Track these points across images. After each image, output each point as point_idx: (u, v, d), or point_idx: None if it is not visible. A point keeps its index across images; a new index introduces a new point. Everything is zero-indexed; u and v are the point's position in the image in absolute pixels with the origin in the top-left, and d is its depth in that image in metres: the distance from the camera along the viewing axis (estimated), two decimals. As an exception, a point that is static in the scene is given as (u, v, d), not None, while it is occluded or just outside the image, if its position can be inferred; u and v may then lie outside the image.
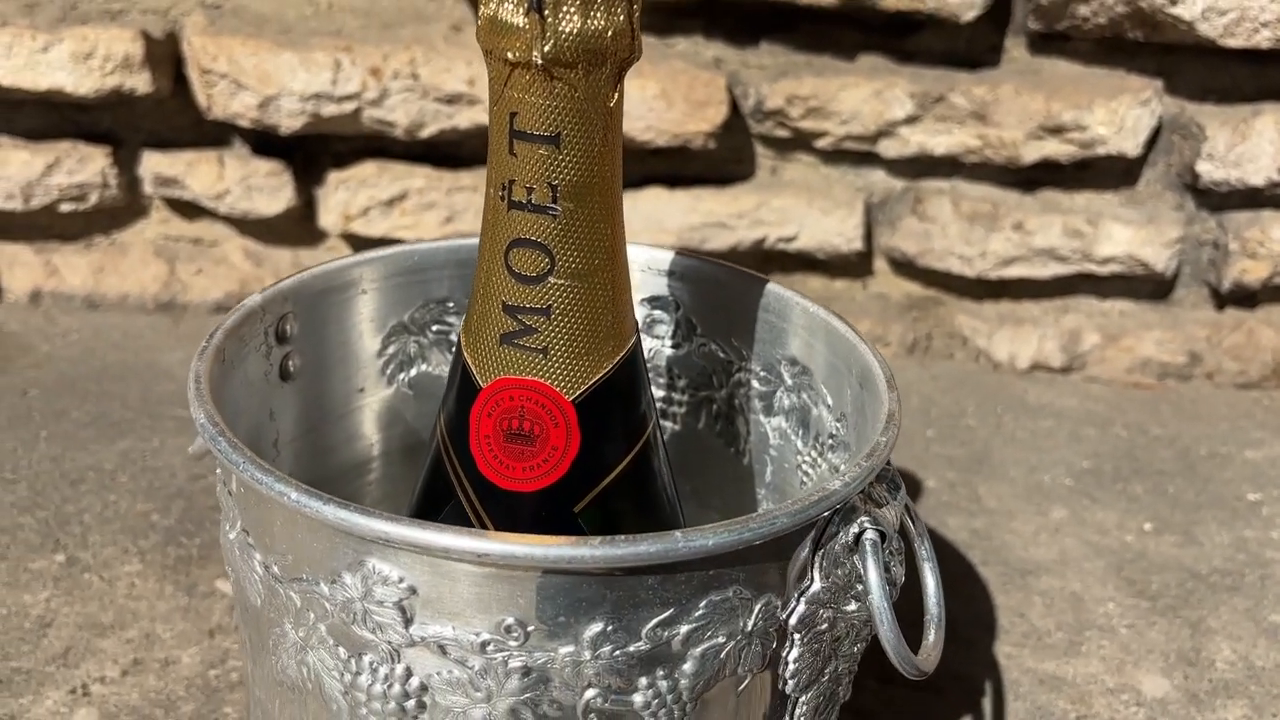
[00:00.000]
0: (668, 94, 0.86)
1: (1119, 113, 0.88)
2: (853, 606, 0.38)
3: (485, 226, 0.37)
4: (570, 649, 0.33)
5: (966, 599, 0.72)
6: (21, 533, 0.72)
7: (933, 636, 0.39)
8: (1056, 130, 0.89)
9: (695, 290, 0.50)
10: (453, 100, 0.87)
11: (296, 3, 0.90)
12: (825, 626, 0.37)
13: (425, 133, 0.89)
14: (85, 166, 0.92)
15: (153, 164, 0.93)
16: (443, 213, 0.93)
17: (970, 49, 0.90)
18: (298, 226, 0.97)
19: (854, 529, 0.36)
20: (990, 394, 0.95)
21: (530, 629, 0.32)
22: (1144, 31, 0.86)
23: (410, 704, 0.34)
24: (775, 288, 0.48)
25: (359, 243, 0.96)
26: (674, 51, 0.90)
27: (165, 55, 0.89)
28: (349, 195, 0.93)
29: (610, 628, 0.33)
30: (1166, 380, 0.99)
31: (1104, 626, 0.71)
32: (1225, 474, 0.87)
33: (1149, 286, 0.98)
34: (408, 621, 0.33)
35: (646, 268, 0.50)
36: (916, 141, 0.90)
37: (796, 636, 0.36)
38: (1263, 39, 0.84)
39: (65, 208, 0.94)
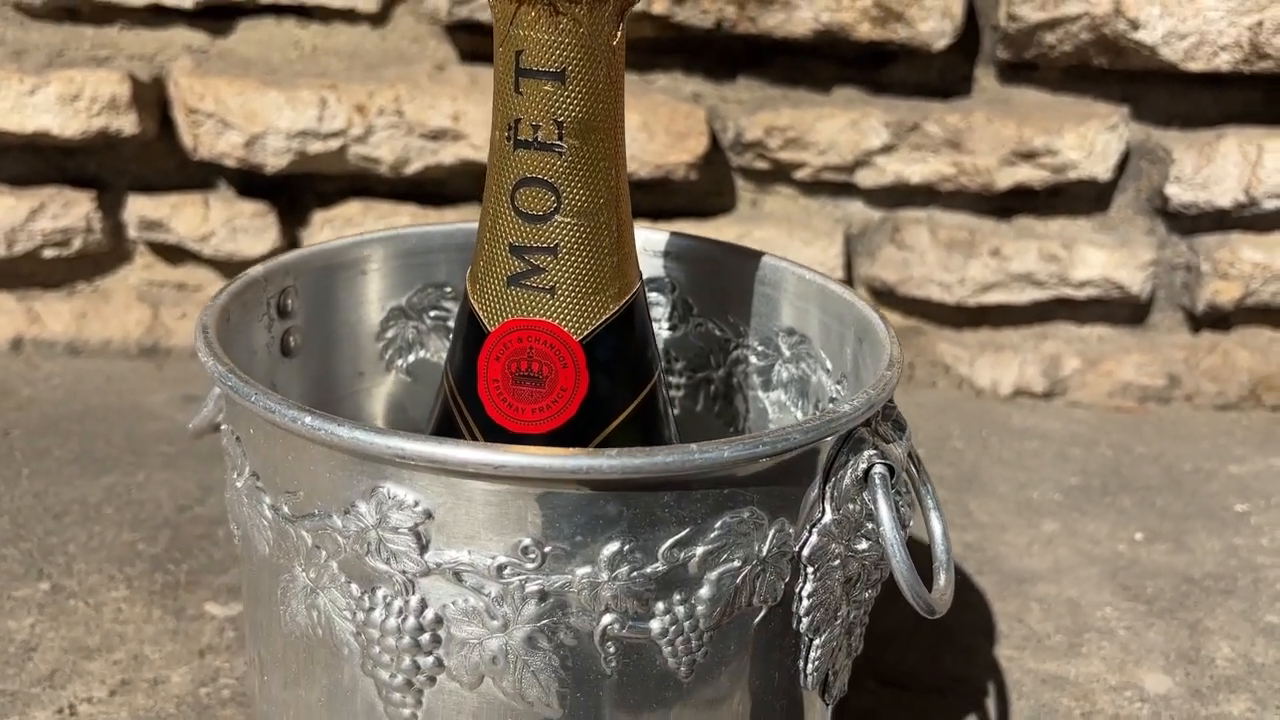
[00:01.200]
0: (649, 126, 0.88)
1: (1089, 137, 0.91)
2: (864, 545, 0.38)
3: (491, 171, 0.37)
4: (587, 570, 0.32)
5: (964, 606, 0.72)
6: (4, 563, 0.71)
7: (943, 579, 0.39)
8: (1029, 155, 0.91)
9: (691, 270, 0.51)
10: (437, 136, 0.88)
11: (282, 47, 0.91)
12: (837, 563, 0.37)
13: (410, 169, 0.90)
14: (70, 211, 0.93)
15: (138, 207, 0.93)
16: (427, 251, 0.94)
17: (942, 79, 0.93)
18: (282, 269, 0.97)
19: (863, 464, 0.36)
20: (974, 419, 0.96)
21: (547, 550, 0.32)
22: (1109, 58, 0.89)
23: (425, 638, 0.34)
24: (769, 259, 0.48)
25: (344, 283, 0.97)
26: (654, 87, 0.92)
27: (151, 99, 0.90)
28: (334, 234, 0.93)
29: (627, 547, 0.32)
30: (1147, 403, 1.00)
31: (1102, 629, 0.71)
32: (1211, 487, 0.88)
33: (1125, 311, 0.99)
34: (423, 548, 0.33)
35: (642, 250, 0.50)
36: (893, 171, 0.92)
37: (810, 570, 0.36)
38: (1222, 62, 0.87)
39: (49, 253, 0.94)
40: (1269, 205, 0.93)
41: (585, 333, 0.37)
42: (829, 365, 0.46)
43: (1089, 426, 0.96)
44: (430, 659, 0.34)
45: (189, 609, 0.68)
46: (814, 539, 0.36)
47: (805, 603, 0.37)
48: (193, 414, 0.88)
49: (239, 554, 0.40)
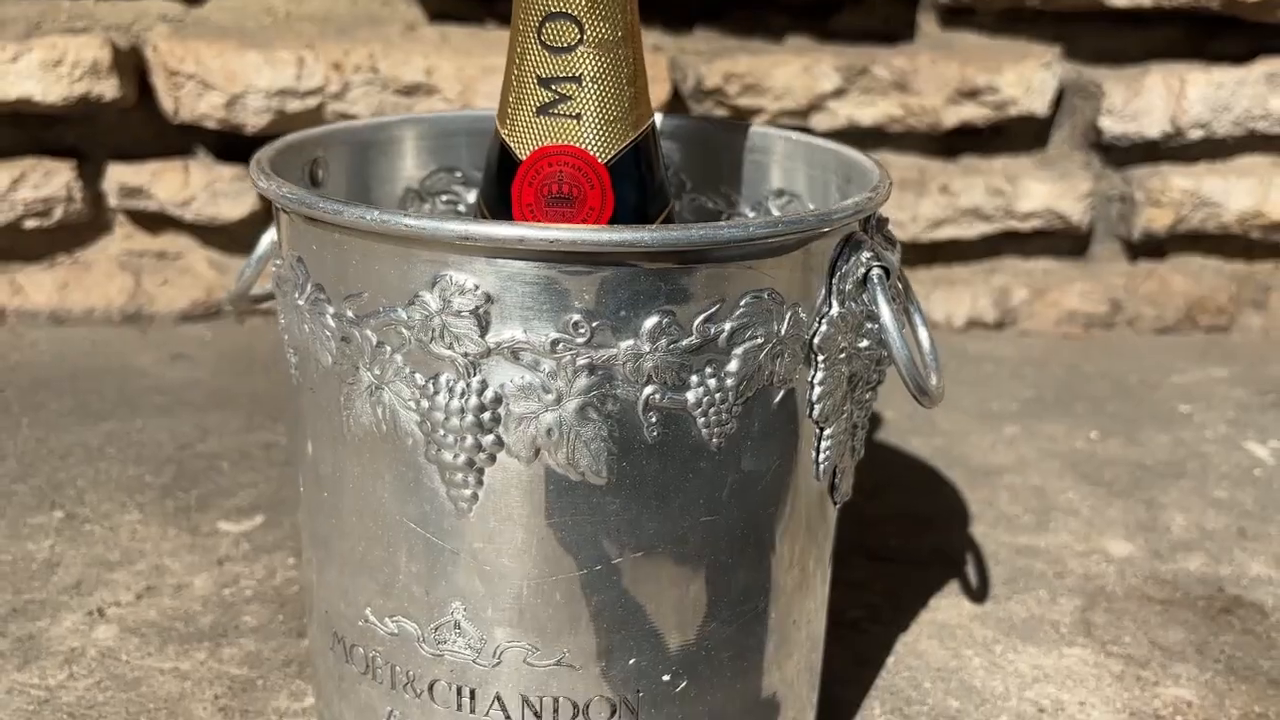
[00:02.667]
0: (615, 74, 0.92)
1: (1026, 75, 0.97)
2: (865, 344, 0.42)
3: (518, 11, 0.41)
4: (630, 343, 0.36)
5: (938, 496, 0.77)
6: (16, 497, 0.73)
7: (935, 379, 0.43)
8: (972, 94, 0.97)
9: (684, 147, 0.55)
10: (411, 91, 0.92)
11: (255, 13, 0.95)
12: (843, 356, 0.41)
13: (387, 125, 0.93)
14: (50, 180, 0.95)
15: (118, 175, 0.96)
16: (404, 207, 0.97)
17: (887, 25, 0.98)
18: (259, 232, 1.00)
19: (862, 266, 0.41)
20: (933, 347, 1.01)
21: (594, 325, 0.36)
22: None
23: (485, 416, 0.37)
24: (757, 128, 0.53)
25: (323, 243, 1.00)
26: (617, 40, 0.96)
27: (130, 65, 0.93)
28: (313, 194, 0.96)
29: (665, 321, 0.36)
30: (1092, 330, 1.06)
31: (1067, 509, 0.76)
32: (1157, 395, 0.94)
33: (1068, 243, 1.05)
34: (483, 330, 0.36)
35: (637, 133, 0.54)
36: (845, 114, 0.97)
37: (820, 359, 0.40)
38: (1145, -2, 0.94)
39: (30, 224, 0.96)
40: (1194, 135, 1.00)
41: (609, 156, 0.41)
42: (773, 207, 0.50)
43: (1040, 351, 1.02)
44: (490, 437, 0.37)
45: (203, 527, 0.70)
46: (823, 328, 0.40)
47: (817, 390, 0.41)
48: (178, 372, 0.90)
49: (294, 385, 0.43)
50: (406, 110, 0.93)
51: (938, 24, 0.99)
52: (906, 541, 0.71)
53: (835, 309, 0.40)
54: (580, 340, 0.36)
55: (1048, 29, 0.98)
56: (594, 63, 0.40)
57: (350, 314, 0.38)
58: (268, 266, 0.49)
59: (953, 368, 0.97)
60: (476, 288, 0.36)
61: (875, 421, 0.87)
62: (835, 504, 0.46)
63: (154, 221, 0.99)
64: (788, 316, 0.38)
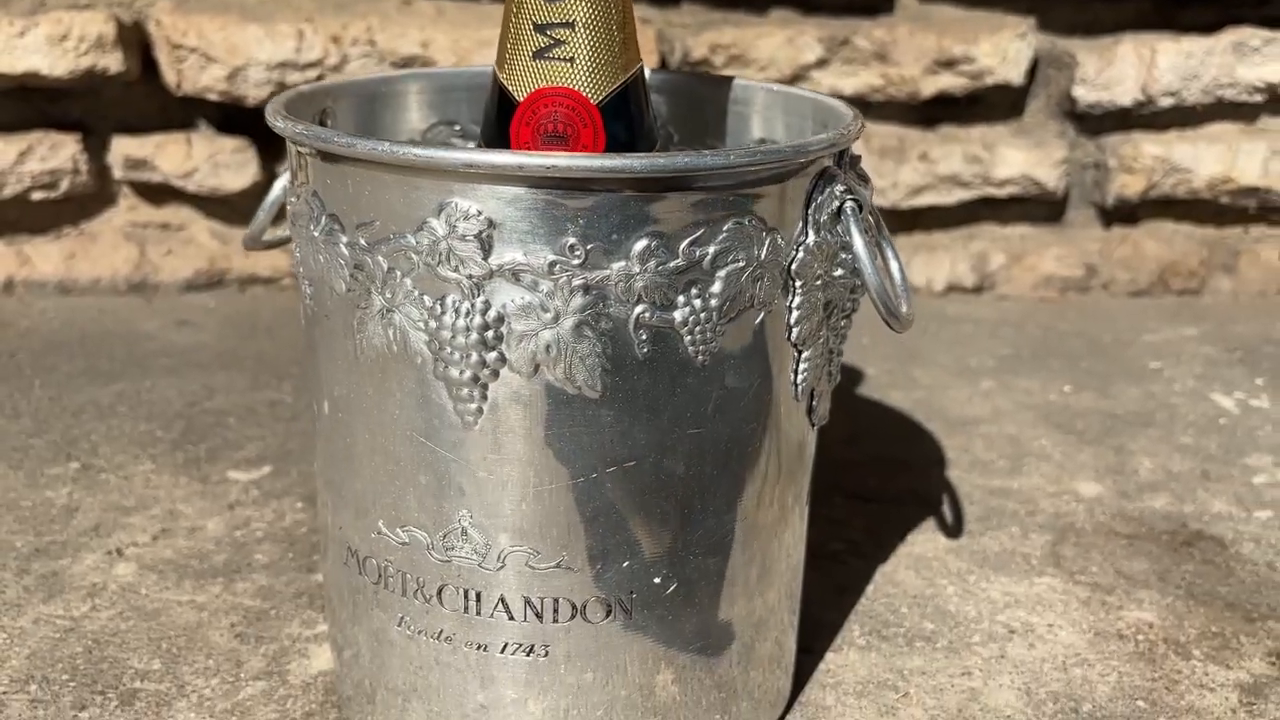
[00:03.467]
0: (604, 45, 0.95)
1: (1002, 45, 1.00)
2: (839, 273, 0.45)
3: (514, -37, 0.44)
4: (622, 264, 0.39)
5: (916, 443, 0.80)
6: (33, 450, 0.76)
7: (905, 306, 0.46)
8: (949, 64, 1.00)
9: (672, 102, 0.58)
10: (408, 62, 0.95)
11: (256, -11, 0.97)
12: (819, 283, 0.44)
13: (383, 97, 0.96)
14: (57, 153, 0.97)
15: (123, 147, 0.99)
16: (401, 177, 1.00)
17: (867, -2, 1.02)
18: (259, 204, 1.03)
19: (836, 200, 0.44)
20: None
21: (589, 247, 0.39)
22: (1015, -30, 0.98)
23: (489, 334, 0.40)
24: (740, 81, 0.56)
25: (322, 213, 1.03)
26: (606, 13, 0.99)
27: (134, 40, 0.95)
28: (312, 165, 0.99)
29: (653, 244, 0.39)
30: (1068, 293, 1.10)
31: (1039, 455, 0.79)
32: (1129, 352, 0.97)
33: (1044, 209, 1.09)
34: (486, 253, 0.39)
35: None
36: (828, 84, 1.01)
37: (797, 284, 0.43)
38: (1115, -31, 0.97)
39: (37, 195, 0.98)
40: (1164, 103, 1.03)
41: (601, 97, 0.44)
42: None
43: (1017, 313, 1.05)
44: (494, 354, 0.40)
45: (213, 476, 0.73)
46: (800, 255, 0.43)
47: (795, 314, 0.44)
48: (183, 336, 0.93)
49: (309, 316, 0.46)
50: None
51: (916, -4, 1.02)
52: (885, 483, 0.74)
53: (811, 238, 0.43)
54: (575, 262, 0.39)
55: (1022, 1, 1.02)
56: (586, 9, 0.43)
57: (363, 242, 0.41)
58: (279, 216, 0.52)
59: (933, 329, 1.01)
60: (479, 213, 0.39)
61: (857, 376, 0.91)
62: (813, 425, 0.49)
63: (157, 193, 1.02)
64: (767, 243, 0.42)
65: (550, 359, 0.41)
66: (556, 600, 0.44)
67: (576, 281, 0.40)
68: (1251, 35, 1.02)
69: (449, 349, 0.41)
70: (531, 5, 0.44)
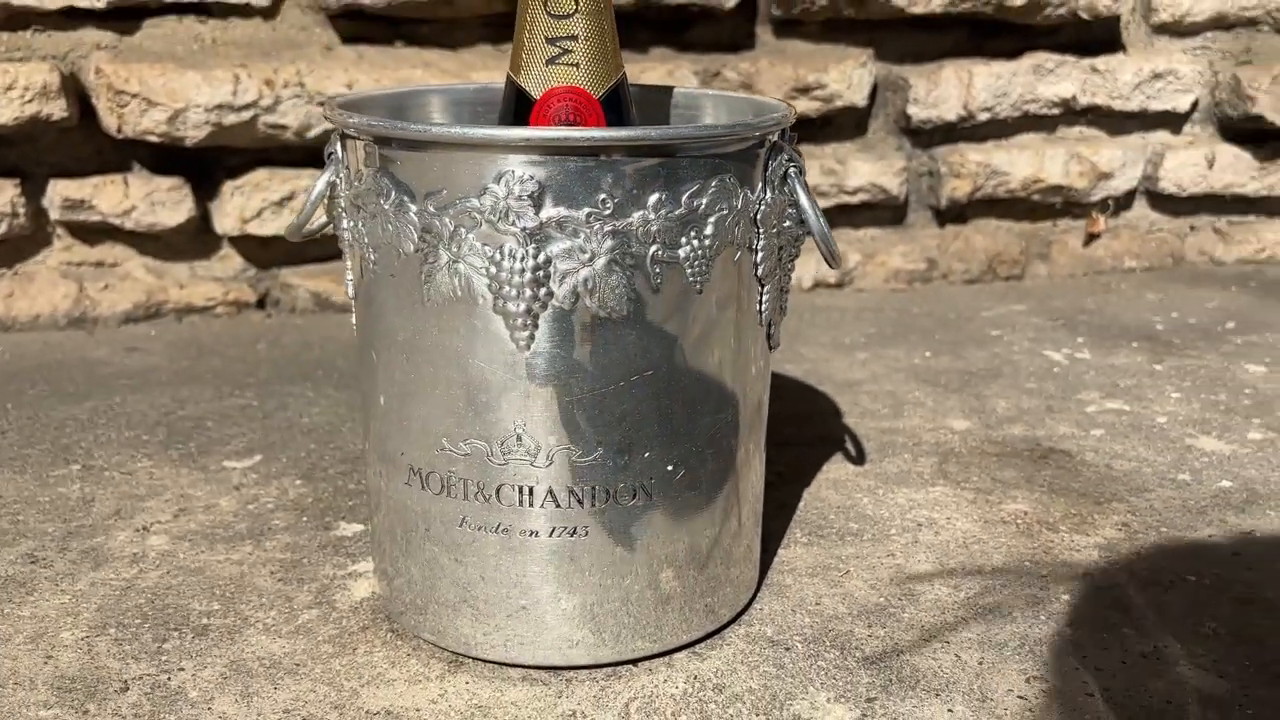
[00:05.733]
0: (511, 81, 1.08)
1: (847, 74, 1.17)
2: (787, 224, 0.59)
3: (525, -9, 0.56)
4: (640, 213, 0.51)
5: (815, 401, 0.94)
6: (31, 457, 0.82)
7: (834, 249, 0.60)
8: (805, 90, 1.16)
9: (639, 107, 0.70)
10: (335, 103, 1.05)
11: (185, 40, 1.06)
12: (775, 230, 0.58)
13: (312, 133, 1.06)
14: (-3, 198, 1.03)
15: (61, 189, 1.05)
16: (327, 208, 1.10)
17: (732, 36, 1.17)
18: (193, 240, 1.11)
19: (783, 166, 0.57)
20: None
21: (616, 200, 0.51)
22: (856, 9, 1.16)
23: (540, 274, 0.51)
24: (683, 89, 0.69)
25: (255, 245, 1.11)
26: (507, 53, 1.12)
27: (72, 89, 1.03)
28: (244, 200, 1.08)
29: (664, 196, 0.52)
30: (914, 284, 1.27)
31: (915, 403, 0.94)
32: (971, 325, 1.15)
33: (889, 214, 1.26)
34: (538, 208, 0.50)
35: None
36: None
37: (760, 230, 0.56)
38: (936, 5, 1.16)
39: (-24, 239, 1.04)
40: (982, 117, 1.22)
41: (601, 92, 0.56)
42: None
43: (874, 301, 1.22)
44: (544, 289, 0.52)
45: (210, 466, 0.81)
46: (762, 208, 0.56)
47: (759, 254, 0.57)
48: (135, 361, 1.00)
49: (370, 279, 0.56)
50: (326, 120, 1.05)
51: (773, 34, 1.18)
52: (798, 430, 0.88)
53: (769, 195, 0.57)
54: (606, 213, 0.51)
55: (861, 35, 1.19)
56: (586, 25, 0.56)
57: (431, 208, 0.52)
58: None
59: (808, 316, 1.16)
60: (532, 178, 0.51)
61: (753, 359, 1.04)
62: (771, 348, 0.62)
63: (92, 233, 1.09)
64: (740, 196, 0.55)
65: (587, 290, 0.52)
66: (594, 488, 0.55)
67: (607, 228, 0.52)
68: (1046, 59, 1.22)
69: (507, 288, 0.52)
70: (543, 23, 0.56)
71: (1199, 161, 1.30)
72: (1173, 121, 1.29)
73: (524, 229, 0.51)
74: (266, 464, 0.81)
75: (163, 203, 1.06)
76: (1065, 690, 0.57)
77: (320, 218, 0.62)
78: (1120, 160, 1.27)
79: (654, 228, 0.52)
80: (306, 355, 1.04)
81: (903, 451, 0.85)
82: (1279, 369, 1.03)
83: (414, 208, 0.53)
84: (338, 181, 0.59)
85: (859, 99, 1.18)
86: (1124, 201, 1.31)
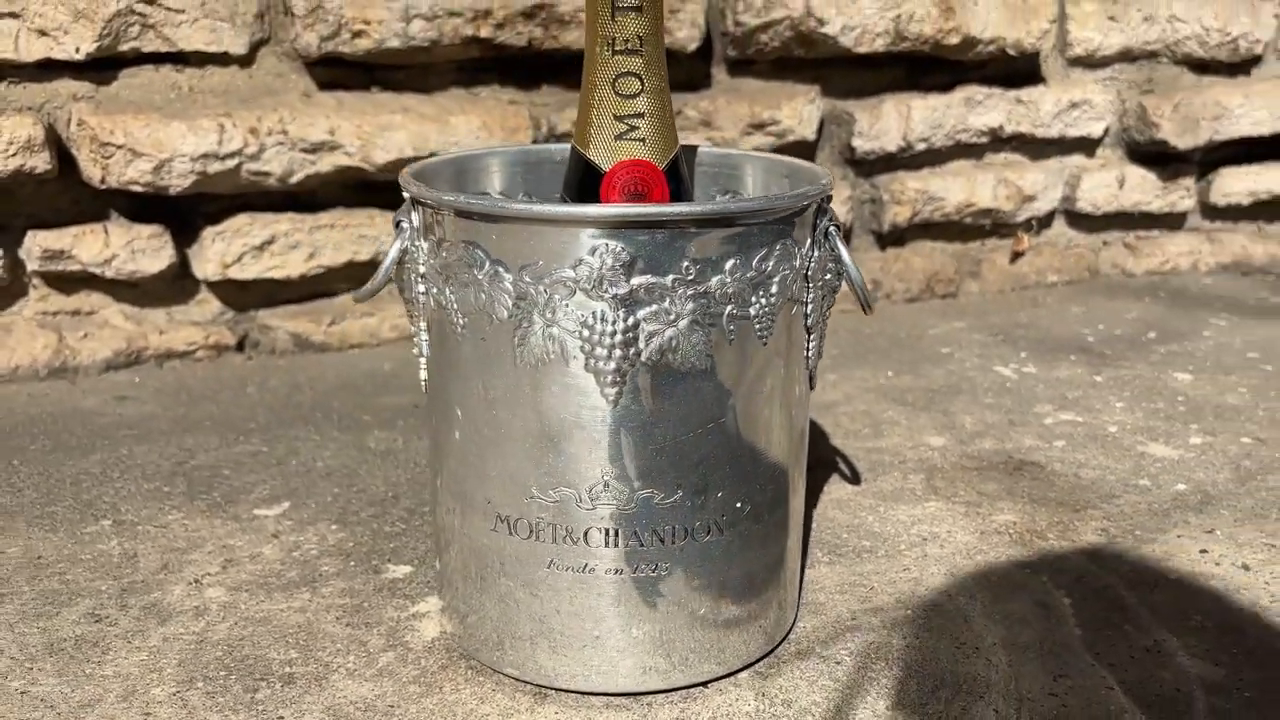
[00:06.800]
0: (488, 125, 1.12)
1: (798, 110, 1.24)
2: (829, 275, 0.65)
3: (593, 72, 0.60)
4: (719, 278, 0.56)
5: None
6: (56, 514, 0.83)
7: (871, 296, 0.66)
8: (760, 126, 1.23)
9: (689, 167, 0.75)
10: (317, 149, 1.08)
11: (162, 90, 1.07)
12: (820, 284, 0.63)
13: (295, 179, 1.08)
14: (-26, 251, 1.03)
15: (40, 240, 1.05)
16: (306, 250, 1.12)
17: (690, 77, 1.23)
18: (171, 286, 1.12)
19: (825, 227, 0.63)
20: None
21: (698, 267, 0.56)
22: (804, 49, 1.23)
23: (630, 335, 0.56)
24: (732, 150, 0.74)
25: (234, 289, 1.13)
26: (480, 98, 1.16)
27: (52, 140, 1.03)
28: (225, 245, 1.09)
29: (738, 260, 0.57)
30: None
31: (891, 421, 1.02)
32: (922, 343, 1.23)
33: (835, 238, 1.33)
34: (629, 276, 0.55)
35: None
36: (665, 147, 1.21)
37: (810, 284, 0.62)
38: (878, 45, 1.24)
39: (-47, 293, 1.03)
40: (920, 147, 1.31)
41: (664, 164, 0.61)
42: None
43: (829, 323, 1.29)
44: (633, 349, 0.56)
45: (242, 515, 0.83)
46: (812, 265, 0.62)
47: (810, 306, 0.63)
48: (130, 409, 1.01)
49: (456, 341, 0.60)
50: (312, 165, 1.08)
51: (727, 73, 1.25)
52: (793, 454, 0.94)
53: (817, 252, 0.63)
54: (689, 278, 0.57)
55: (808, 73, 1.27)
56: (651, 103, 0.61)
57: (527, 278, 0.57)
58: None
59: (771, 341, 1.22)
60: (624, 249, 0.56)
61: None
62: (811, 389, 0.68)
63: (68, 282, 1.09)
64: (798, 256, 0.61)
65: (672, 348, 0.58)
66: (673, 527, 0.60)
67: (690, 292, 0.57)
68: (976, 92, 1.31)
69: (599, 349, 0.57)
70: (611, 101, 0.61)
71: (1111, 182, 1.41)
72: (1088, 146, 1.40)
73: (615, 295, 0.56)
74: (297, 510, 0.84)
75: (143, 250, 1.07)
76: (1089, 686, 0.64)
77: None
78: (1042, 183, 1.37)
79: (730, 290, 0.58)
80: (299, 397, 1.06)
81: (892, 469, 0.92)
82: (1202, 376, 1.13)
83: (509, 277, 0.57)
84: (412, 249, 0.62)
85: (809, 133, 1.25)
86: (1045, 221, 1.42)
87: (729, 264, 0.57)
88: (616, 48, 0.60)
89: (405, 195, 0.62)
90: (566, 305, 0.57)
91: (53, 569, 0.76)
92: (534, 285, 0.57)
